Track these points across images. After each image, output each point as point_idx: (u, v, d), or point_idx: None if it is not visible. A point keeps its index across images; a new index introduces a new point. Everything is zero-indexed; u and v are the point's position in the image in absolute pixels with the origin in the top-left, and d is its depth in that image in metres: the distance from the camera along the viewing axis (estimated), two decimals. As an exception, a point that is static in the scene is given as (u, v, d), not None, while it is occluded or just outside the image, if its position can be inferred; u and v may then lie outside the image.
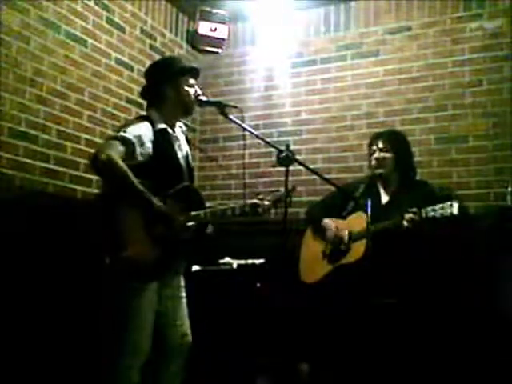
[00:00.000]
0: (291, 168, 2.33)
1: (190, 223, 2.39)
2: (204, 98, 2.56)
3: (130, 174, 2.24)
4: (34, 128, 3.20)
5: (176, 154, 2.50)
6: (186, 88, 2.51)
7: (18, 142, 3.11)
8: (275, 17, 4.51)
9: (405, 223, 2.81)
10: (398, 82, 4.12)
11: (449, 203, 2.70)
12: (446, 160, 3.89)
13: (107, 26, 3.80)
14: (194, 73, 2.57)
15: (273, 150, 2.42)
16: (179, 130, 2.59)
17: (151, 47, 4.24)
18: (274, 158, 2.42)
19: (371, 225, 2.86)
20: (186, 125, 2.72)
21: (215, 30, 4.48)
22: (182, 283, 2.54)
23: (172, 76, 2.50)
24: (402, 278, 2.87)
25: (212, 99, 2.68)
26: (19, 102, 3.12)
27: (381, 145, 3.10)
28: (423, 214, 2.78)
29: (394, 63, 4.14)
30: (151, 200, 2.28)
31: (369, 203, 2.60)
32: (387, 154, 3.09)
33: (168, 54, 4.36)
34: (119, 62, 3.91)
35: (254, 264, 3.66)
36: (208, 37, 4.52)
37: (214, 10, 4.45)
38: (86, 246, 2.55)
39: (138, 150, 2.31)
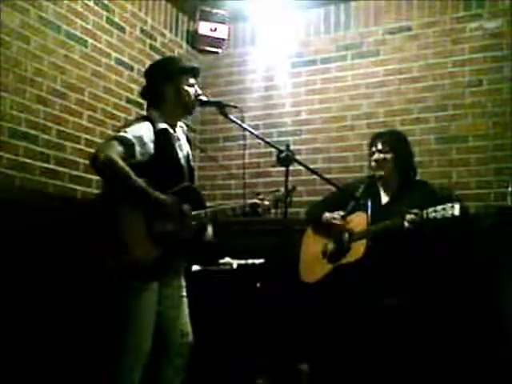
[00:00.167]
0: (291, 168, 2.33)
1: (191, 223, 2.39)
2: (204, 98, 2.56)
3: (131, 172, 2.24)
4: (34, 128, 3.20)
5: (177, 153, 2.49)
6: (186, 88, 2.50)
7: (18, 142, 3.11)
8: (275, 17, 4.51)
9: (406, 224, 2.81)
10: (398, 82, 4.12)
11: (450, 204, 2.69)
12: (446, 160, 3.89)
13: (107, 25, 3.80)
14: (194, 72, 2.57)
15: (273, 149, 2.42)
16: (180, 130, 2.59)
17: (151, 47, 4.24)
18: (274, 158, 2.43)
19: (371, 225, 2.87)
20: (187, 125, 2.72)
21: (215, 29, 4.48)
22: (183, 283, 2.54)
23: (172, 76, 2.50)
24: (402, 278, 2.87)
25: (212, 99, 2.68)
26: (19, 102, 3.12)
27: (380, 146, 3.10)
28: (424, 215, 2.77)
29: (393, 63, 4.14)
30: (154, 194, 2.27)
31: (369, 203, 2.60)
32: (387, 155, 3.08)
33: (168, 54, 4.37)
34: (119, 62, 3.91)
35: (253, 264, 3.66)
36: (208, 37, 4.52)
37: (214, 10, 4.45)
38: (86, 246, 2.56)
39: (138, 149, 2.31)
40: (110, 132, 3.66)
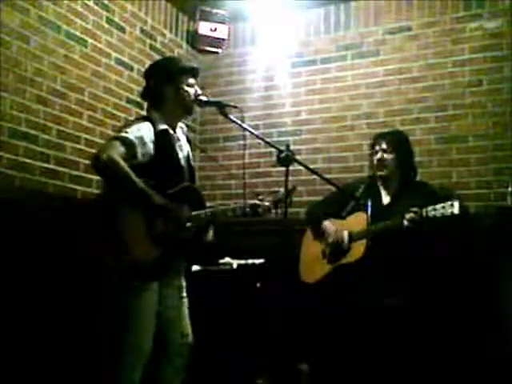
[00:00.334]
0: (291, 168, 2.33)
1: (191, 223, 2.39)
2: (204, 98, 2.56)
3: (132, 173, 2.24)
4: (34, 128, 3.20)
5: (177, 154, 2.49)
6: (186, 88, 2.50)
7: (18, 142, 3.11)
8: (275, 17, 4.51)
9: (405, 223, 2.81)
10: (398, 82, 4.12)
11: (449, 203, 2.70)
12: (446, 160, 3.89)
13: (107, 26, 3.80)
14: (193, 72, 2.57)
15: (273, 149, 2.42)
16: (180, 131, 2.59)
17: (151, 47, 4.24)
18: (274, 158, 2.43)
19: (371, 225, 2.87)
20: (187, 125, 2.72)
21: (215, 29, 4.48)
22: (183, 283, 2.54)
23: (171, 76, 2.50)
24: (401, 278, 2.87)
25: (212, 99, 2.68)
26: (19, 102, 3.12)
27: (384, 145, 3.10)
28: (424, 214, 2.78)
29: (394, 63, 4.14)
30: (153, 197, 2.28)
31: (369, 203, 2.60)
32: (389, 155, 3.08)
33: (168, 54, 4.37)
34: (119, 62, 3.91)
35: (253, 264, 3.66)
36: (208, 37, 4.52)
37: (214, 10, 4.45)
38: (86, 246, 2.55)
39: (139, 150, 2.31)
40: (109, 132, 3.66)
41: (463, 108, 3.88)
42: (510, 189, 3.51)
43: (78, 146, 3.51)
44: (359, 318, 2.86)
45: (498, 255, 3.26)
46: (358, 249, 2.96)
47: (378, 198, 3.10)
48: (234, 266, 3.66)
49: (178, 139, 2.55)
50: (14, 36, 3.09)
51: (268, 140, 2.58)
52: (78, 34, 3.54)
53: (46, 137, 3.28)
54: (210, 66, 4.74)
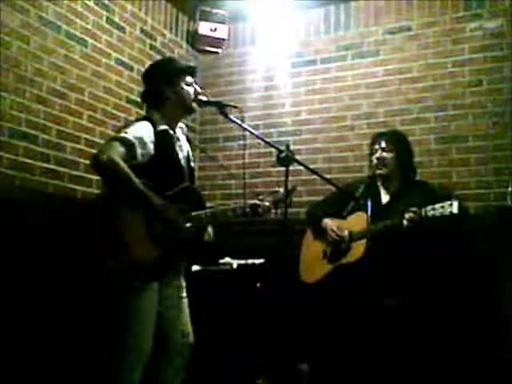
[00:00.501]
0: (291, 168, 2.33)
1: (191, 224, 2.39)
2: (204, 98, 2.56)
3: (132, 173, 2.24)
4: (34, 128, 3.20)
5: (177, 154, 2.50)
6: (185, 88, 2.50)
7: (18, 142, 3.11)
8: (275, 17, 4.51)
9: (405, 222, 2.82)
10: (398, 82, 4.12)
11: (448, 202, 2.70)
12: (446, 160, 3.89)
13: (107, 26, 3.80)
14: (191, 72, 2.57)
15: (273, 150, 2.42)
16: (180, 131, 2.59)
17: (151, 47, 4.24)
18: (274, 158, 2.43)
19: (371, 225, 2.87)
20: (187, 125, 2.72)
21: (215, 29, 4.48)
22: (183, 283, 2.54)
23: (170, 77, 2.50)
24: (401, 278, 2.87)
25: (212, 99, 2.68)
26: (19, 101, 3.12)
27: (383, 144, 3.10)
28: (423, 213, 2.78)
29: (394, 63, 4.14)
30: (153, 199, 2.28)
31: (369, 203, 2.60)
32: (389, 154, 3.09)
33: (168, 54, 4.37)
34: (119, 62, 3.91)
35: (253, 264, 3.66)
36: (208, 37, 4.53)
37: (214, 10, 4.45)
38: (86, 246, 2.55)
39: (139, 150, 2.31)
40: (110, 132, 3.66)
41: (463, 108, 3.88)
42: (510, 189, 3.52)
43: (78, 146, 3.51)
44: (359, 318, 2.86)
45: (498, 255, 3.26)
46: (358, 248, 2.96)
47: (377, 197, 3.10)
48: (234, 266, 3.66)
49: (178, 139, 2.55)
50: (14, 36, 3.09)
51: (268, 140, 2.58)
52: (77, 34, 3.54)
53: (45, 137, 3.28)
54: (210, 66, 4.74)
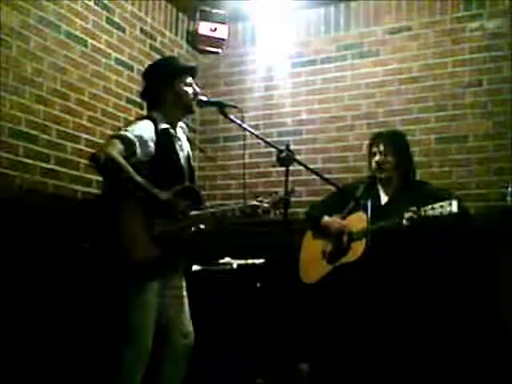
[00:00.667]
0: (291, 168, 2.33)
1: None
2: (204, 98, 2.56)
3: (131, 170, 2.24)
4: (34, 128, 3.20)
5: (177, 154, 2.49)
6: (184, 87, 2.50)
7: (18, 142, 3.11)
8: (275, 17, 4.51)
9: (404, 222, 2.82)
10: (398, 82, 4.12)
11: (448, 202, 2.70)
12: (445, 160, 3.89)
13: (107, 26, 3.80)
14: (191, 71, 2.57)
15: (273, 150, 2.42)
16: (180, 131, 2.59)
17: (151, 47, 4.24)
18: (274, 158, 2.42)
19: (371, 225, 2.87)
20: (187, 125, 2.72)
21: (215, 29, 4.48)
22: (183, 283, 2.54)
23: (169, 77, 2.50)
24: (401, 278, 2.87)
25: (212, 99, 2.68)
26: (19, 102, 3.12)
27: (382, 148, 3.09)
28: (422, 213, 2.78)
29: (393, 63, 4.14)
30: (154, 192, 2.28)
31: (368, 203, 2.60)
32: (388, 158, 3.07)
33: (168, 53, 4.36)
34: (119, 62, 3.91)
35: (254, 264, 3.66)
36: (208, 37, 4.53)
37: (214, 10, 4.45)
38: (86, 246, 2.55)
39: (139, 149, 2.31)
40: (110, 132, 3.66)
41: (463, 108, 3.89)
42: (509, 189, 3.51)
43: (78, 146, 3.51)
44: (359, 318, 2.86)
45: (498, 255, 3.26)
46: (358, 248, 2.96)
47: (376, 198, 3.10)
48: (234, 266, 3.66)
49: (179, 139, 2.55)
50: (14, 36, 3.10)
51: (268, 140, 2.58)
52: (77, 33, 3.54)
53: (45, 137, 3.28)
54: (210, 66, 4.74)
